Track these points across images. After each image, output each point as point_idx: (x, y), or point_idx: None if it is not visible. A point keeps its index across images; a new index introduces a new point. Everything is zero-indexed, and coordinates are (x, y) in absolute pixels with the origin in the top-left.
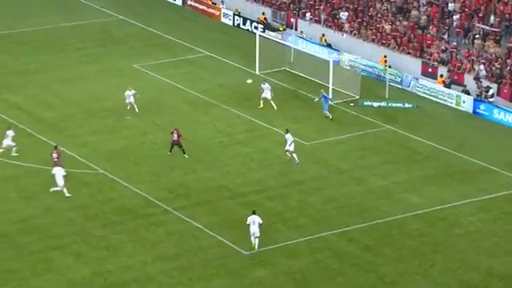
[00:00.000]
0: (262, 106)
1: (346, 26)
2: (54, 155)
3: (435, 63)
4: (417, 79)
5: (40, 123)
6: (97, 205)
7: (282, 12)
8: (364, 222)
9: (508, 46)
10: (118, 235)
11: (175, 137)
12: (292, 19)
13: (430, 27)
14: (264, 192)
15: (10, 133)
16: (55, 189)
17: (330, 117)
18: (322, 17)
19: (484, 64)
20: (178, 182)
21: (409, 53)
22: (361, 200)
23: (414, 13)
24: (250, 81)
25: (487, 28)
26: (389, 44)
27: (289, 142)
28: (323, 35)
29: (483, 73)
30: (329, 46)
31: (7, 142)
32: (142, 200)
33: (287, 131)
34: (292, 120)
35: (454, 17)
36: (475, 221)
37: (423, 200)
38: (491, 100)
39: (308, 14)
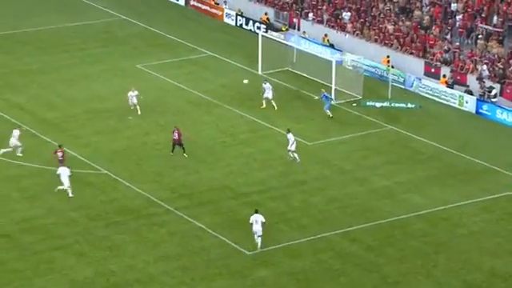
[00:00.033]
0: (264, 106)
1: (349, 26)
2: (59, 154)
3: (438, 63)
4: (419, 79)
5: (43, 123)
6: (99, 205)
7: (285, 12)
8: (367, 222)
9: (511, 46)
10: (121, 235)
11: (176, 136)
12: (294, 19)
13: (433, 27)
14: (267, 192)
15: (17, 132)
16: (60, 187)
17: (331, 115)
18: (325, 17)
19: (487, 64)
20: (180, 182)
21: (411, 53)
22: (363, 200)
23: (417, 13)
24: (246, 81)
25: (490, 28)
26: (391, 44)
27: (290, 142)
28: (326, 35)
29: (486, 73)
30: (331, 46)
31: (14, 141)
32: (144, 200)
33: (288, 131)
34: (295, 120)
35: (457, 17)
36: (478, 221)
37: (426, 200)
38: (494, 100)
39: (311, 15)
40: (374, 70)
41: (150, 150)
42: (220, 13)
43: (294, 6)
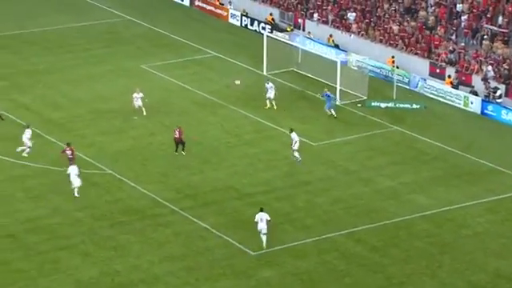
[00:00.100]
0: (268, 106)
1: (354, 26)
2: (68, 152)
3: (443, 64)
4: (424, 80)
5: (48, 123)
6: (104, 205)
7: (290, 13)
8: (371, 222)
9: None
10: (126, 235)
11: (177, 134)
12: (300, 20)
13: (438, 28)
14: (271, 192)
15: (29, 132)
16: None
17: (335, 115)
18: (330, 17)
19: (492, 65)
20: (185, 183)
21: (416, 53)
22: (368, 201)
23: (422, 13)
24: (238, 82)
25: (495, 29)
26: (396, 45)
27: (293, 141)
28: (331, 36)
29: (491, 74)
30: (336, 46)
31: (26, 141)
32: (149, 200)
33: (292, 130)
34: (299, 120)
35: (462, 17)
36: (483, 222)
37: (431, 201)
38: (499, 101)
39: (316, 15)
40: (378, 70)
41: (155, 151)
42: (225, 13)
43: (299, 6)
